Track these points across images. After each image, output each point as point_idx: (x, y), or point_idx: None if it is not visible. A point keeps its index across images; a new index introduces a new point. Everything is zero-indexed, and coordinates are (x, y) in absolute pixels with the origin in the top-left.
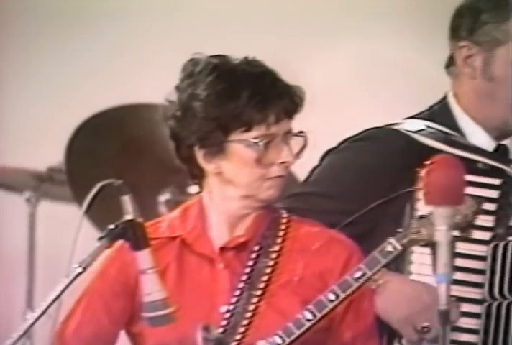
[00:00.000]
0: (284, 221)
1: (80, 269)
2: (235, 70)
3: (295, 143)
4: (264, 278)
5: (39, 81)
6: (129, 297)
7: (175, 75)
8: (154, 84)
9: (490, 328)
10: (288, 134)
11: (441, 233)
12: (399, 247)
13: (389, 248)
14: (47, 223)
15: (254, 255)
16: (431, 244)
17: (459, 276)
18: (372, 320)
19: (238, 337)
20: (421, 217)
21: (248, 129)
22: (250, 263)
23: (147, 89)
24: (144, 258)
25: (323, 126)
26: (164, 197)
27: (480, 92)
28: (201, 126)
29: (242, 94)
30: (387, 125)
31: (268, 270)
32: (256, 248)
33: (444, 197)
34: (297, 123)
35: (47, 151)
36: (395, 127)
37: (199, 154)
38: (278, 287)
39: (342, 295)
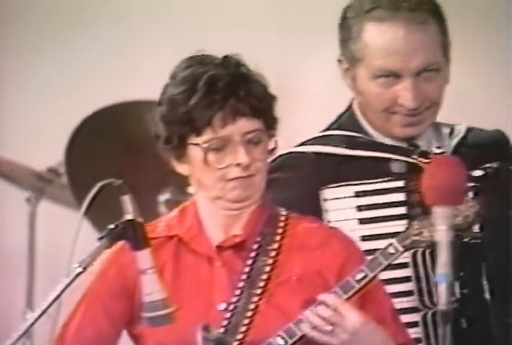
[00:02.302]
0: (282, 218)
1: (80, 269)
2: (195, 73)
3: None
4: (264, 276)
5: (39, 81)
6: (128, 299)
7: None
8: (154, 84)
9: (430, 336)
10: (249, 134)
11: (441, 233)
12: (401, 249)
13: (391, 250)
14: (47, 223)
15: (253, 254)
16: (433, 245)
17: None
18: (390, 306)
19: (240, 336)
20: (422, 218)
21: (199, 134)
22: (249, 262)
23: (146, 89)
24: (144, 258)
25: (323, 126)
26: (164, 197)
27: (363, 104)
28: (162, 130)
29: (192, 98)
30: (297, 145)
31: (268, 268)
32: (255, 246)
33: (444, 197)
34: (296, 123)
35: (47, 151)
36: (301, 149)
37: (172, 157)
38: (278, 285)
39: (344, 297)
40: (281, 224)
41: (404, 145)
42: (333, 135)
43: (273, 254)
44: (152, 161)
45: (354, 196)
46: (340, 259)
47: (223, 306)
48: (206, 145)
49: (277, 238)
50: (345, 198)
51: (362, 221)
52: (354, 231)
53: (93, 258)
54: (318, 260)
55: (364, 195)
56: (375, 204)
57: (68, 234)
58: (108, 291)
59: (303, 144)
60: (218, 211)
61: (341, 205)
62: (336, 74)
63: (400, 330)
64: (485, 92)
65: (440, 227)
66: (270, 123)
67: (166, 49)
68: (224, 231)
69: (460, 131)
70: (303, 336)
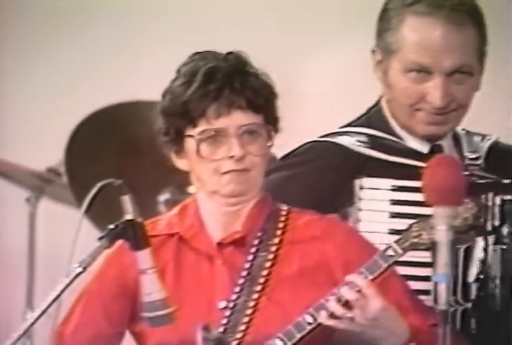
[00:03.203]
0: (283, 213)
1: (80, 269)
2: (195, 66)
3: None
4: (265, 272)
5: (37, 81)
6: (129, 299)
7: (172, 74)
8: (152, 83)
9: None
10: (244, 127)
11: (441, 233)
12: (400, 251)
13: (390, 252)
14: (47, 223)
15: (253, 249)
16: (433, 247)
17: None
18: (406, 290)
19: (239, 335)
20: (421, 220)
21: (195, 125)
22: (250, 257)
23: (144, 88)
24: (144, 258)
25: (322, 126)
26: (163, 196)
27: (391, 98)
28: (161, 123)
29: (189, 89)
30: (325, 135)
31: (268, 264)
32: (255, 242)
33: (444, 197)
34: (296, 123)
35: (46, 151)
36: (332, 139)
37: (171, 152)
38: (279, 281)
39: (343, 299)
40: (282, 219)
41: (427, 147)
42: (363, 133)
43: (274, 248)
44: (151, 161)
45: (391, 189)
46: (345, 250)
47: (223, 304)
48: (199, 136)
49: (278, 232)
50: (381, 189)
51: (393, 215)
52: (384, 223)
53: (93, 258)
54: (321, 253)
55: (400, 190)
56: (409, 201)
57: (68, 234)
58: (108, 291)
59: (334, 134)
60: (218, 208)
61: (376, 196)
62: (336, 74)
63: (424, 313)
64: (485, 92)
65: (440, 227)
66: (270, 119)
67: (164, 49)
68: (225, 229)
69: (491, 139)
70: (302, 338)
